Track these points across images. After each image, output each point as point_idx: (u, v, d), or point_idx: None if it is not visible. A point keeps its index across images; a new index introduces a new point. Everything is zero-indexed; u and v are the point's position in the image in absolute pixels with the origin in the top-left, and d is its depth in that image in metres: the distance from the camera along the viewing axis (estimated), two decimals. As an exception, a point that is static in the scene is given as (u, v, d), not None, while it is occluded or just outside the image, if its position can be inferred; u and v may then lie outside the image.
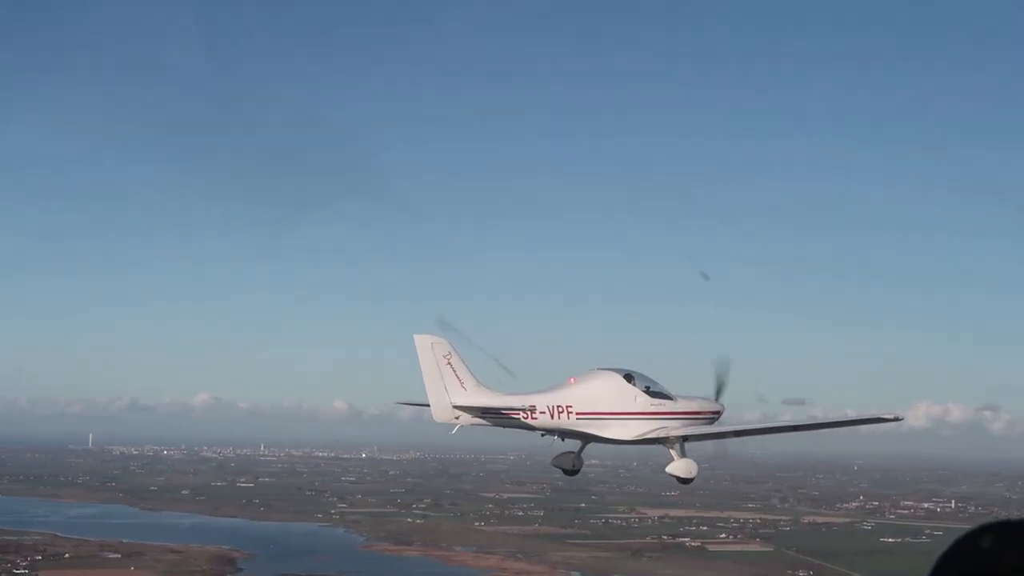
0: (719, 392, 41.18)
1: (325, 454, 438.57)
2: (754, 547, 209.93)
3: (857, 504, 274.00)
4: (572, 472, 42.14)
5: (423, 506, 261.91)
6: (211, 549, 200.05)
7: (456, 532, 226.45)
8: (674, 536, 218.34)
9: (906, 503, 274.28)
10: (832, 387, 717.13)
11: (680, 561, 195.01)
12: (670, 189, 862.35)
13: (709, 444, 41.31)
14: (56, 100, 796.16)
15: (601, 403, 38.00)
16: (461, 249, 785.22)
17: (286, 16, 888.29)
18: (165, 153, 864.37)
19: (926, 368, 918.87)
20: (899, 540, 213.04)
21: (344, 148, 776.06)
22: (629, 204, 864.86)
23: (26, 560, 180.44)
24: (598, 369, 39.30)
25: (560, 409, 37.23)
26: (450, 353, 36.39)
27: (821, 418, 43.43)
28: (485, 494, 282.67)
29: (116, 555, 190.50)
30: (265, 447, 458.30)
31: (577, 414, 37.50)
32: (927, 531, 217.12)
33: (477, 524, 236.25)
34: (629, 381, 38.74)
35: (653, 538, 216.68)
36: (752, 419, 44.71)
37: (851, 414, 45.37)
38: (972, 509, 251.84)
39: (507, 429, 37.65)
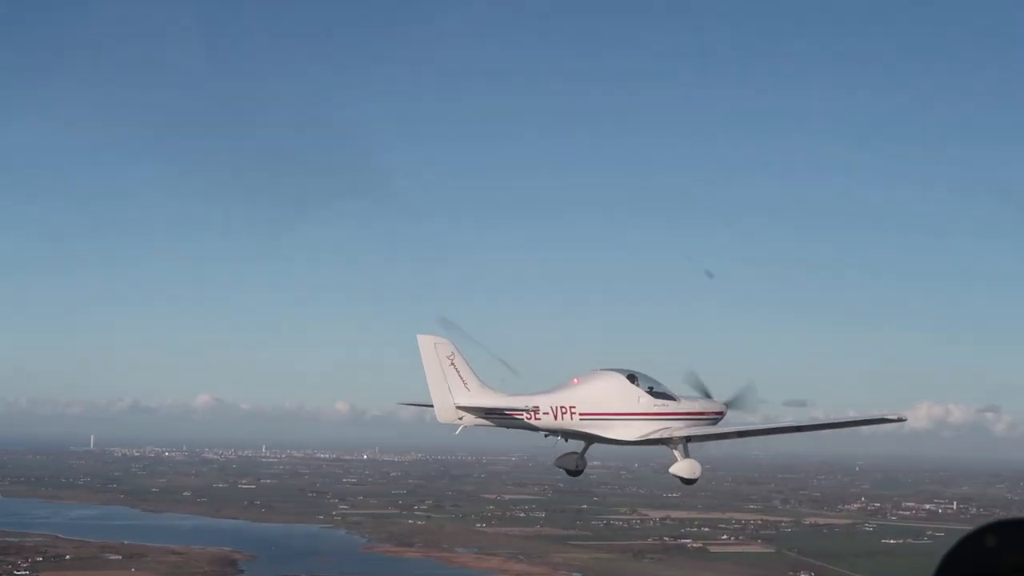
0: (734, 404, 41.13)
1: (327, 455, 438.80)
2: (755, 548, 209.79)
3: (859, 505, 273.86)
4: (575, 473, 42.14)
5: (425, 507, 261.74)
6: (212, 551, 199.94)
7: (458, 533, 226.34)
8: (675, 537, 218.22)
9: (908, 504, 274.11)
10: (833, 388, 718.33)
11: (681, 562, 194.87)
12: (670, 189, 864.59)
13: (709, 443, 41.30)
14: (56, 100, 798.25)
15: (605, 404, 37.99)
16: (462, 249, 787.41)
17: (286, 16, 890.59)
18: (165, 153, 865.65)
19: (927, 369, 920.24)
20: (900, 541, 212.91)
21: (344, 148, 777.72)
22: (629, 204, 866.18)
23: (27, 562, 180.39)
24: (601, 370, 39.31)
25: (564, 410, 37.23)
26: (453, 353, 36.38)
27: (823, 419, 43.41)
28: (487, 495, 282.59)
29: (117, 557, 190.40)
30: (267, 448, 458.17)
31: (581, 415, 37.50)
32: (928, 532, 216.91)
33: (479, 525, 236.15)
34: (633, 382, 38.75)
35: (654, 539, 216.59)
36: (753, 421, 44.61)
37: (852, 415, 45.35)
38: (973, 510, 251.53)
39: (510, 430, 37.67)
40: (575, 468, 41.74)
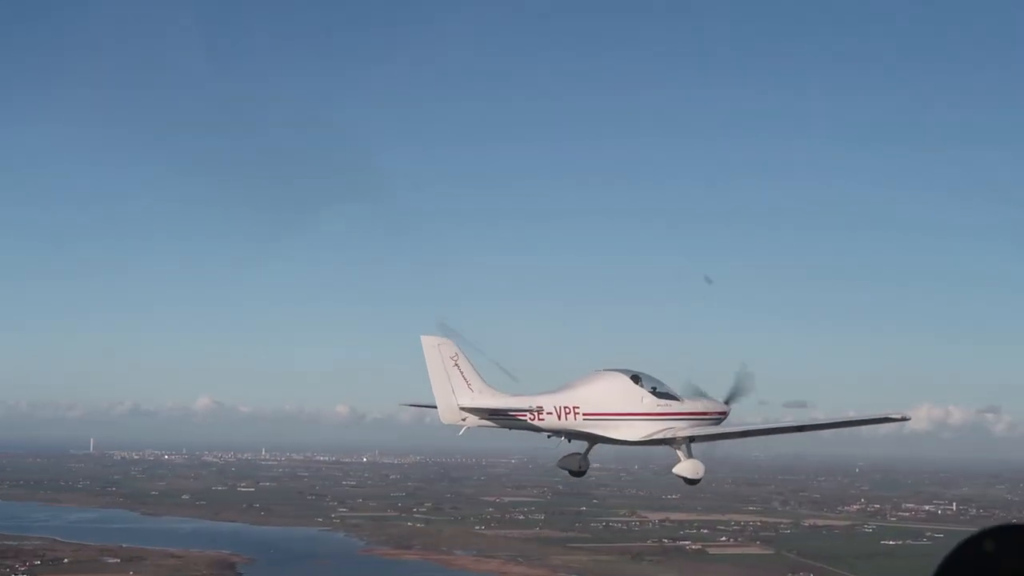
0: (733, 397, 41.07)
1: (326, 458, 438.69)
2: (755, 550, 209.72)
3: (858, 507, 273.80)
4: (578, 473, 42.10)
5: (424, 510, 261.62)
6: (211, 554, 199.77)
7: (457, 536, 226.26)
8: (675, 539, 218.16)
9: (907, 505, 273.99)
10: (833, 389, 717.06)
11: (680, 564, 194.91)
12: (670, 190, 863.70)
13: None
14: (55, 101, 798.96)
15: (608, 404, 37.97)
16: (462, 251, 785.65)
17: (286, 16, 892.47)
18: (165, 154, 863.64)
19: (927, 370, 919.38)
20: (900, 542, 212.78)
21: (344, 149, 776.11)
22: (629, 206, 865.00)
23: (25, 565, 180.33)
24: (605, 370, 39.31)
25: (567, 410, 37.19)
26: (456, 354, 36.36)
27: (823, 420, 43.33)
28: (486, 498, 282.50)
29: (116, 560, 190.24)
30: (266, 451, 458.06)
31: (584, 415, 37.47)
32: (928, 533, 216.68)
33: (478, 528, 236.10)
34: (636, 382, 38.74)
35: (654, 541, 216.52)
36: (753, 422, 44.57)
37: (852, 416, 45.25)
38: (973, 511, 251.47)
39: (513, 430, 37.62)
40: (578, 469, 41.70)
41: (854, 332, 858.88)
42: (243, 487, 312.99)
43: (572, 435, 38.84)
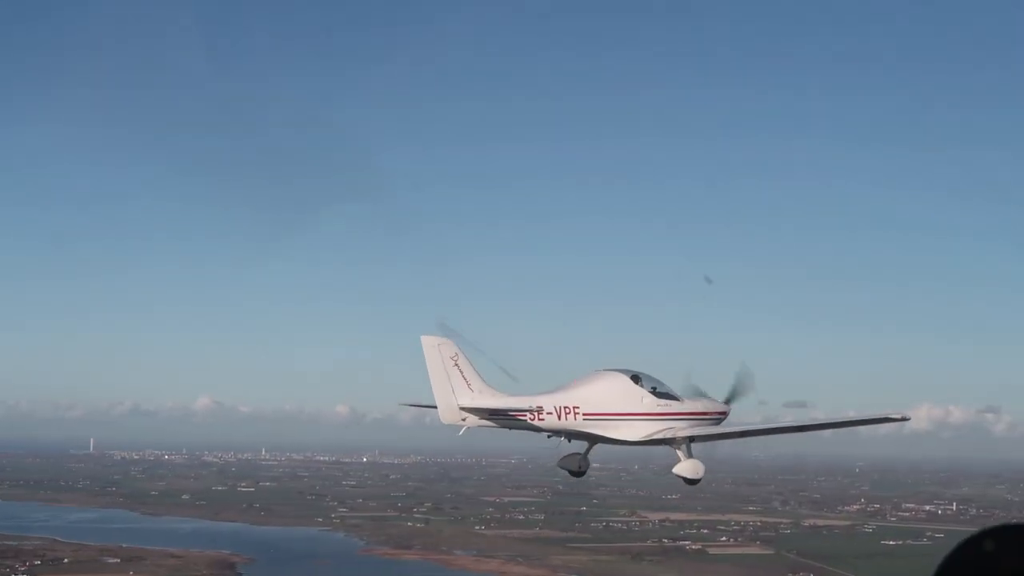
0: (733, 397, 41.05)
1: (326, 458, 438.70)
2: (755, 550, 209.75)
3: (858, 507, 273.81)
4: (578, 473, 42.10)
5: (424, 510, 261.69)
6: (211, 554, 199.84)
7: (457, 536, 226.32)
8: (674, 539, 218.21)
9: (907, 505, 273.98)
10: (833, 389, 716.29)
11: (680, 564, 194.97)
12: (670, 190, 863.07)
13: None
14: (55, 101, 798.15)
15: (608, 404, 37.98)
16: (462, 251, 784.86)
17: (286, 16, 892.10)
18: (165, 154, 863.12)
19: (927, 370, 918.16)
20: (900, 542, 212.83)
21: (344, 149, 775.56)
22: (629, 206, 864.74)
23: (25, 565, 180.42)
24: (605, 370, 39.31)
25: (567, 410, 37.20)
26: (457, 354, 36.37)
27: (824, 420, 43.31)
28: (486, 498, 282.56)
29: (116, 560, 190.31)
30: (266, 451, 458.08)
31: (584, 415, 37.48)
32: (928, 533, 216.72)
33: (478, 528, 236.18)
34: (636, 382, 38.75)
35: (654, 541, 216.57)
36: (753, 422, 44.55)
37: (852, 416, 45.25)
38: (973, 511, 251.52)
39: (513, 430, 37.62)
40: (578, 469, 41.70)
41: (854, 332, 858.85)
42: (243, 487, 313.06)
43: (572, 435, 38.85)
